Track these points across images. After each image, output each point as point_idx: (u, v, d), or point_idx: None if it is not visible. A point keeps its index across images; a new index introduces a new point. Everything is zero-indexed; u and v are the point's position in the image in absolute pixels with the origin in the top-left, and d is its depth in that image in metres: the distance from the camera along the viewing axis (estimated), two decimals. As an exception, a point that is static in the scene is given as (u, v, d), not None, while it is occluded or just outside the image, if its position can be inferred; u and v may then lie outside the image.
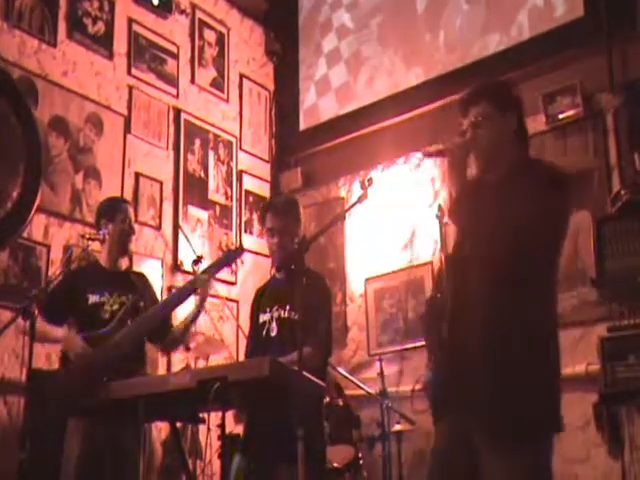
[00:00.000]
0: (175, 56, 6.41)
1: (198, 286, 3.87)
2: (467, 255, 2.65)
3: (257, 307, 3.72)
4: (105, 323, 3.84)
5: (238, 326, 5.89)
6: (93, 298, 3.95)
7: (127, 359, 3.74)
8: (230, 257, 3.91)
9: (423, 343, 5.09)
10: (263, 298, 3.72)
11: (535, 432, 2.45)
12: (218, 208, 6.51)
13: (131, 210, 4.21)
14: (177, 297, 4.01)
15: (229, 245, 4.00)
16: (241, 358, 4.88)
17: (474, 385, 2.49)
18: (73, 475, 3.64)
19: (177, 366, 5.55)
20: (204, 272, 3.93)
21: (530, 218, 2.47)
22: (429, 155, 2.86)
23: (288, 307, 3.51)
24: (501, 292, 2.51)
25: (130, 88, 5.95)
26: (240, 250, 3.96)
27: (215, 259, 4.06)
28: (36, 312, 3.67)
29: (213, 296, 4.89)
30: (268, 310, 3.58)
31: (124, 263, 4.22)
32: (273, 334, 3.52)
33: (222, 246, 4.07)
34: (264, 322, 3.58)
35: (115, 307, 3.91)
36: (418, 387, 4.65)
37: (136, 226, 4.23)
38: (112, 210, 4.13)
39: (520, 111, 2.75)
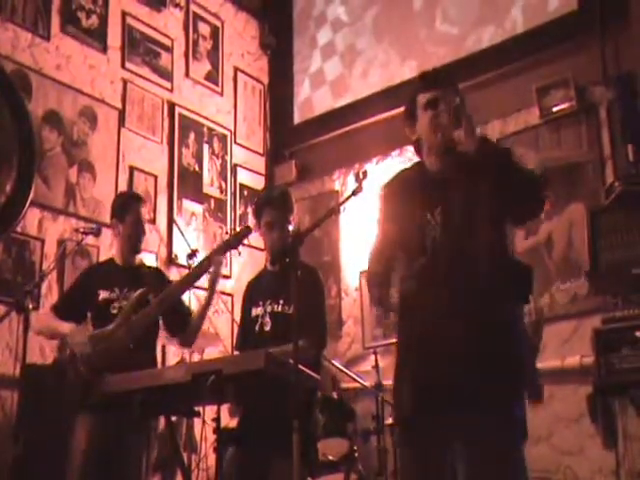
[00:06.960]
0: (169, 49, 6.39)
1: (211, 264, 3.80)
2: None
3: (249, 300, 3.71)
4: (114, 319, 3.81)
5: (233, 320, 5.90)
6: (104, 294, 3.93)
7: (137, 352, 3.73)
8: (238, 237, 3.84)
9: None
10: (255, 291, 3.71)
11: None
12: (213, 202, 6.51)
13: (143, 209, 4.14)
14: (190, 277, 3.93)
15: (234, 228, 3.94)
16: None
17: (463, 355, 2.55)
18: (79, 470, 3.65)
19: (172, 360, 5.56)
20: (213, 252, 3.87)
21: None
22: None
23: (281, 301, 3.51)
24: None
25: (124, 82, 5.94)
26: (247, 230, 3.90)
27: (222, 241, 4.00)
28: (31, 307, 3.68)
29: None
30: (261, 304, 3.58)
31: (137, 259, 4.15)
32: (267, 329, 3.51)
33: (226, 230, 4.03)
34: (256, 316, 3.57)
35: (124, 303, 3.87)
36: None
37: (147, 226, 4.17)
38: (123, 210, 4.07)
39: None
